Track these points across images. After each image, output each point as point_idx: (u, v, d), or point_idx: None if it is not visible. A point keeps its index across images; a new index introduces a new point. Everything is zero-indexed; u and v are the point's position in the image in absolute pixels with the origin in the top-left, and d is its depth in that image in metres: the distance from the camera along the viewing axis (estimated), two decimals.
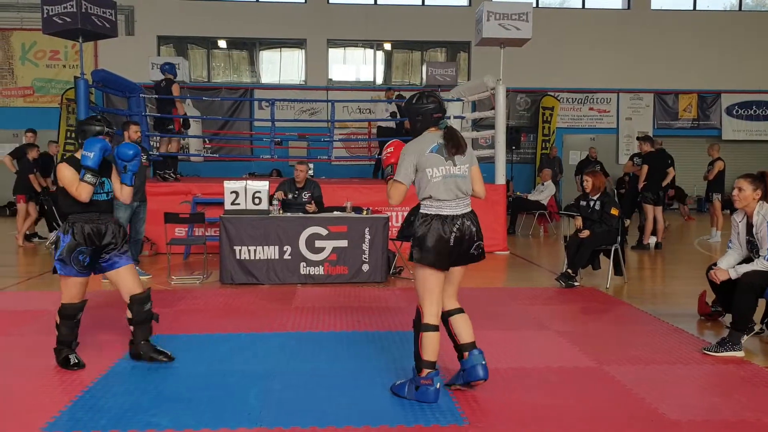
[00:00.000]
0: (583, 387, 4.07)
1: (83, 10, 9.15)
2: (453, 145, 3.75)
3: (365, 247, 7.34)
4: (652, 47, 18.19)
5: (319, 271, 7.35)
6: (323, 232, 7.31)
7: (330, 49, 18.25)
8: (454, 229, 3.72)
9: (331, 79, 18.22)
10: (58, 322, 4.29)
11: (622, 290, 7.19)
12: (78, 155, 4.26)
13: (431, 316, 3.76)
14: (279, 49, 18.52)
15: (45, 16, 9.37)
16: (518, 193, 13.91)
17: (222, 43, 18.28)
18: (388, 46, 18.61)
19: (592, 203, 7.36)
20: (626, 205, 11.05)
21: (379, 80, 18.51)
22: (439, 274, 3.77)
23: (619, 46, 18.15)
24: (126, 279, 4.36)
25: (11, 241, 10.94)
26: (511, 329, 5.48)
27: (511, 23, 10.02)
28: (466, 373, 3.87)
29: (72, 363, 4.25)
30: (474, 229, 3.80)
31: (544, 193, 12.68)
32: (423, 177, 3.74)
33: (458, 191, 3.76)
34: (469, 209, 3.83)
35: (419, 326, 3.78)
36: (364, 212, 7.56)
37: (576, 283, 7.21)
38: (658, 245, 10.43)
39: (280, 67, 18.56)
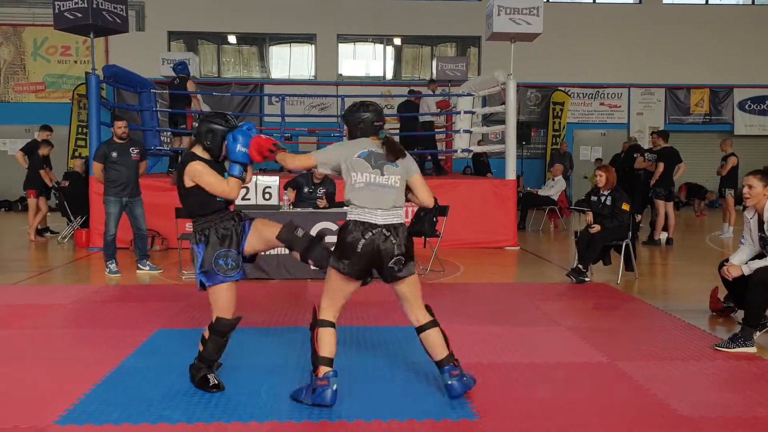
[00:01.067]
0: (594, 382, 4.06)
1: (94, 6, 9.17)
2: (391, 153, 3.61)
3: None
4: (663, 42, 18.07)
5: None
6: (334, 227, 7.29)
7: (340, 44, 18.24)
8: (366, 237, 3.52)
9: (340, 74, 18.21)
10: (206, 337, 3.84)
11: (633, 286, 7.16)
12: (198, 152, 3.91)
13: (326, 313, 3.67)
14: (289, 45, 18.53)
15: (56, 11, 9.40)
16: (528, 189, 13.87)
17: (232, 39, 18.31)
18: (398, 41, 18.58)
19: (603, 198, 7.32)
20: (638, 200, 11.00)
21: (389, 75, 18.49)
22: (343, 280, 3.63)
23: (630, 40, 18.04)
24: (265, 226, 4.00)
25: (23, 235, 11.01)
26: (522, 325, 5.46)
27: (521, 18, 9.97)
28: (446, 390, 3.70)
29: (211, 384, 3.78)
30: (394, 241, 3.56)
31: (554, 188, 12.64)
32: (347, 180, 3.62)
33: (380, 201, 3.56)
34: (393, 221, 3.59)
35: (314, 323, 3.67)
36: None
37: (587, 279, 7.19)
38: (669, 241, 10.38)
39: (290, 62, 18.57)
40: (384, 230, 3.56)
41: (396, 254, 3.57)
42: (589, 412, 3.57)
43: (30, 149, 10.90)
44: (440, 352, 3.74)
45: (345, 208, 3.68)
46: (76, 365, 4.30)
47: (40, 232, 10.87)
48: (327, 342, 3.61)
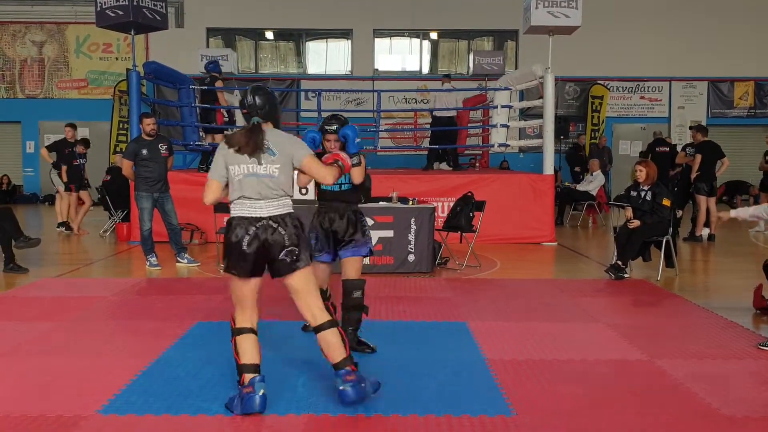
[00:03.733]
0: (633, 380, 4.00)
1: (135, 3, 9.32)
2: (248, 144, 3.45)
3: (411, 237, 7.33)
4: (705, 33, 17.64)
5: (365, 260, 7.34)
6: (369, 222, 7.30)
7: (376, 39, 18.24)
8: (250, 232, 3.45)
9: (376, 69, 18.22)
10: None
11: (673, 283, 7.03)
12: None
13: (240, 320, 3.55)
14: (325, 40, 18.59)
15: (98, 9, 9.58)
16: (566, 184, 13.71)
17: (269, 35, 18.44)
18: (434, 35, 18.51)
19: (643, 193, 7.20)
20: (679, 195, 10.79)
21: (425, 70, 18.44)
22: (243, 282, 3.52)
23: (671, 32, 17.66)
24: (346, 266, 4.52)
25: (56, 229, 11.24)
26: (560, 321, 5.41)
27: (560, 11, 9.84)
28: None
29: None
30: (283, 232, 3.46)
31: (593, 183, 12.46)
32: (228, 175, 3.53)
33: (262, 192, 3.46)
34: (280, 211, 3.49)
35: (233, 332, 3.56)
36: (410, 202, 7.55)
37: (626, 275, 7.08)
38: (711, 237, 10.16)
39: (326, 57, 18.64)
40: (270, 222, 3.46)
41: (287, 245, 3.46)
42: (627, 410, 3.52)
43: (57, 147, 11.03)
44: (338, 354, 3.47)
45: (231, 205, 3.56)
46: (118, 356, 4.39)
47: (63, 225, 11.01)
48: (246, 349, 3.49)
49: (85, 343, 4.75)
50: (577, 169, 14.83)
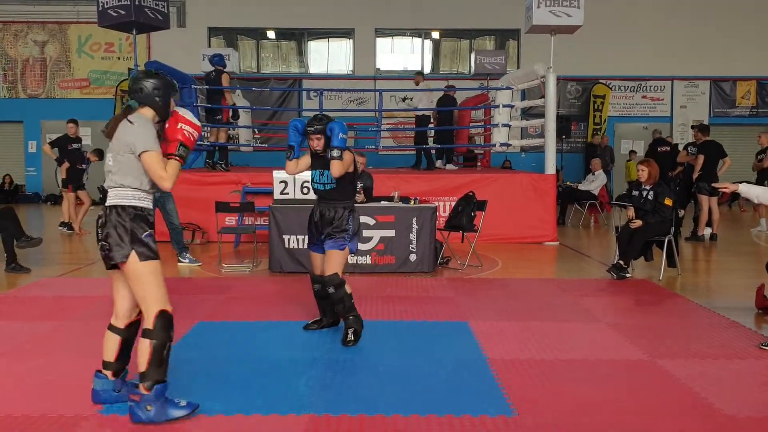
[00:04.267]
0: (634, 380, 4.00)
1: (137, 3, 9.35)
2: (108, 129, 3.40)
3: (413, 236, 7.33)
4: (708, 32, 17.62)
5: (367, 260, 7.37)
6: (371, 221, 7.32)
7: (378, 39, 18.23)
8: (99, 224, 3.39)
9: (378, 69, 18.21)
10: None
11: (675, 282, 7.03)
12: None
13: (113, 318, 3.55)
14: (327, 39, 18.59)
15: (100, 9, 9.61)
16: (568, 183, 13.70)
17: (271, 34, 18.44)
18: (436, 35, 18.49)
19: (645, 193, 7.19)
20: (681, 195, 10.78)
21: (427, 69, 18.41)
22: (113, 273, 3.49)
23: (673, 31, 17.64)
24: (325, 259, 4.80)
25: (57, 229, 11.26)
26: (562, 321, 5.40)
27: (562, 10, 9.83)
28: None
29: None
30: (103, 224, 3.35)
31: (594, 183, 12.45)
32: None
33: (106, 179, 3.40)
34: (111, 202, 3.34)
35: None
36: (412, 202, 7.55)
37: (628, 275, 7.07)
38: (713, 237, 10.15)
39: (328, 57, 18.63)
40: (105, 213, 3.35)
41: (100, 239, 3.36)
42: (628, 410, 3.52)
43: (60, 143, 11.05)
44: (141, 365, 3.33)
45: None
46: None
47: (65, 225, 11.03)
48: (106, 346, 3.55)
49: (87, 342, 4.74)
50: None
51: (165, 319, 3.33)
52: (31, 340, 4.68)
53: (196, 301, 6.07)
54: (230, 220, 9.43)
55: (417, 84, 12.49)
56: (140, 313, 3.45)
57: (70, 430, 3.23)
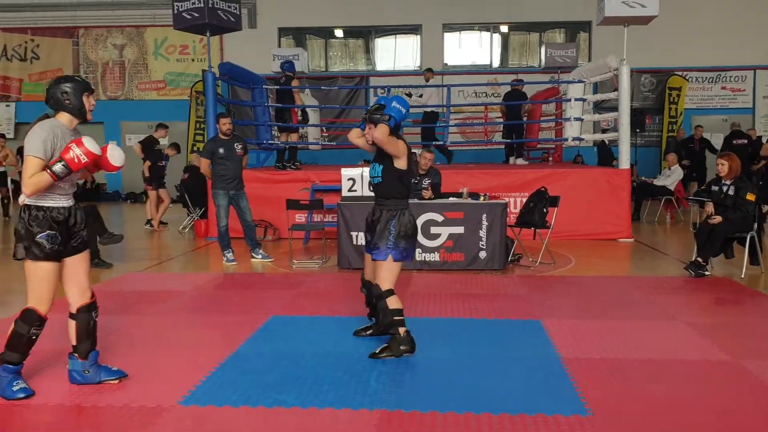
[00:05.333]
0: (714, 381, 3.86)
1: (210, 6, 9.57)
2: None
3: (482, 233, 7.27)
4: None
5: (435, 257, 7.35)
6: (439, 218, 7.30)
7: (445, 34, 18.14)
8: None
9: (446, 64, 18.11)
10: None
11: (758, 280, 6.73)
12: None
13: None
14: (394, 36, 18.61)
15: (175, 12, 9.88)
16: (643, 178, 13.30)
17: (339, 33, 18.60)
18: (504, 29, 18.26)
19: (725, 188, 6.92)
20: (764, 189, 10.31)
21: (496, 63, 18.22)
22: None
23: (754, 18, 16.85)
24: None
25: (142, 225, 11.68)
26: (637, 319, 5.25)
27: (636, 0, 9.54)
28: None
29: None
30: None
31: (671, 177, 12.05)
32: None
33: None
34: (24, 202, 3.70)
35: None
36: (481, 198, 7.48)
37: (707, 273, 6.82)
38: None
39: (395, 53, 18.65)
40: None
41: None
42: (707, 413, 3.40)
43: (147, 144, 11.50)
44: (72, 338, 3.78)
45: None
46: (197, 349, 4.52)
47: (148, 222, 11.47)
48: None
49: (167, 335, 4.92)
50: (685, 162, 13.92)
51: (30, 314, 3.59)
52: (114, 332, 4.87)
53: (268, 295, 6.20)
54: (300, 217, 9.58)
55: (427, 80, 12.65)
56: (93, 296, 3.83)
57: (152, 420, 3.35)
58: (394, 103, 4.24)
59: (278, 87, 10.70)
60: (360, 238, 7.39)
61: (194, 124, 15.23)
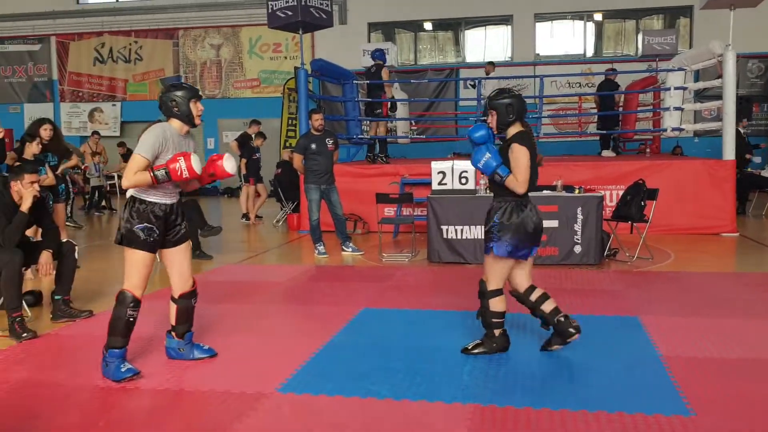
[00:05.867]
0: None
1: (303, 3, 9.76)
2: None
3: (577, 227, 7.10)
4: None
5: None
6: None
7: (537, 23, 17.77)
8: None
9: (538, 54, 17.75)
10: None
11: None
12: None
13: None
14: (484, 27, 18.40)
15: (270, 11, 10.13)
16: (749, 170, 12.60)
17: (428, 25, 18.56)
18: (598, 17, 17.70)
19: None
20: None
21: (590, 53, 17.70)
22: None
23: None
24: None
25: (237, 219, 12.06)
26: (743, 317, 5.00)
27: None
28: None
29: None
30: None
31: None
32: None
33: None
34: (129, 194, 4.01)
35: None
36: (576, 191, 7.30)
37: None
38: None
39: (485, 45, 18.43)
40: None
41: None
42: None
43: (243, 140, 11.85)
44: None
45: None
46: (294, 338, 4.65)
47: (244, 216, 11.82)
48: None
49: (264, 325, 5.08)
50: None
51: (123, 296, 3.84)
52: (216, 321, 5.07)
53: (359, 288, 6.29)
54: (389, 210, 9.64)
55: (487, 74, 12.31)
56: (194, 284, 4.12)
57: (251, 406, 3.47)
58: (480, 164, 3.99)
59: (368, 82, 10.78)
60: (450, 231, 7.38)
61: (286, 121, 15.57)
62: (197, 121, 3.92)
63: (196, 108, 3.89)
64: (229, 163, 4.02)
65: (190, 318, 4.15)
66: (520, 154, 3.93)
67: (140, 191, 3.83)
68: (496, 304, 4.10)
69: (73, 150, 7.88)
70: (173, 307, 4.08)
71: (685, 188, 9.17)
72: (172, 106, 3.85)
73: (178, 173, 3.72)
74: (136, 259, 3.84)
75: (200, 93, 3.97)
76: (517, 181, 3.93)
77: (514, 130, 4.03)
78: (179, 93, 3.84)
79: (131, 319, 3.84)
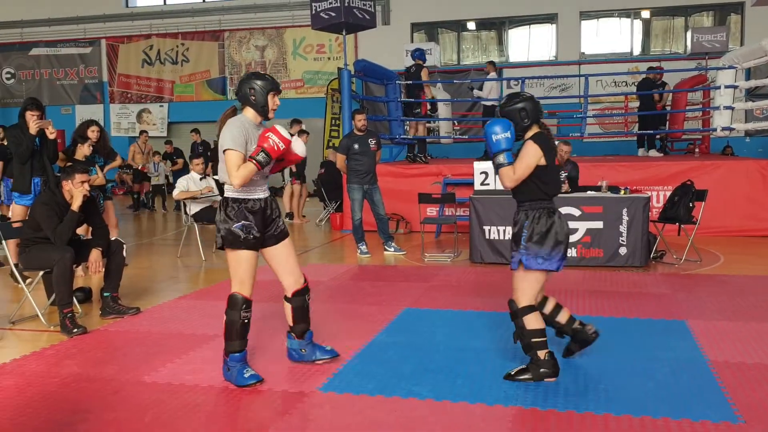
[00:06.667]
0: None
1: (346, 5, 9.81)
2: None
3: (622, 228, 6.98)
4: None
5: (572, 253, 7.13)
6: (576, 212, 7.09)
7: (582, 22, 17.53)
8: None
9: (583, 53, 17.51)
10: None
11: None
12: None
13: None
14: (528, 26, 18.23)
15: (313, 12, 10.21)
16: None
17: (471, 25, 18.48)
18: (646, 14, 17.37)
19: None
20: None
21: (636, 51, 17.39)
22: None
23: None
24: None
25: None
26: None
27: None
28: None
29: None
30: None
31: None
32: None
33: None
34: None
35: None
36: (622, 192, 7.18)
37: None
38: None
39: (529, 44, 18.27)
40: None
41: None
42: None
43: None
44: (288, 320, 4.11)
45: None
46: (336, 337, 4.67)
47: (288, 215, 11.94)
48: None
49: None
50: None
51: (234, 299, 3.77)
52: (258, 319, 5.11)
53: (401, 288, 6.29)
54: (431, 210, 9.63)
55: (487, 73, 12.18)
56: (305, 281, 4.06)
57: (292, 404, 3.51)
58: (495, 137, 3.69)
59: (408, 81, 10.79)
60: (493, 232, 7.34)
61: (330, 121, 15.69)
62: (271, 114, 3.88)
63: (273, 101, 3.84)
64: (299, 146, 3.95)
65: (307, 316, 4.07)
66: (529, 150, 3.69)
67: (231, 191, 3.77)
68: (532, 322, 3.73)
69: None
70: (288, 307, 4.02)
71: (736, 189, 8.94)
72: (249, 94, 3.77)
73: (275, 148, 3.66)
74: (240, 259, 3.76)
75: (280, 87, 3.91)
76: (513, 174, 3.68)
77: (530, 133, 3.81)
78: (259, 82, 3.76)
79: (245, 321, 3.77)
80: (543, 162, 3.71)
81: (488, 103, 12.22)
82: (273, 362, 4.16)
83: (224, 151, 3.68)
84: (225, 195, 3.82)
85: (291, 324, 4.05)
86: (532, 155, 3.69)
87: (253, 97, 3.78)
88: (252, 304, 3.81)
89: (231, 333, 3.77)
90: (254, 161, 3.65)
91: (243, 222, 3.73)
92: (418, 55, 10.85)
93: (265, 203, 3.85)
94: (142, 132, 15.40)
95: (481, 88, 12.63)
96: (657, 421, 3.17)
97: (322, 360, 4.06)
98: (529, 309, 3.74)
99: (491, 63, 12.97)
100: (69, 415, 3.43)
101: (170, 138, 17.42)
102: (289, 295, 4.01)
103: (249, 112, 3.84)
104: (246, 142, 3.70)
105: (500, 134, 3.68)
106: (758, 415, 3.24)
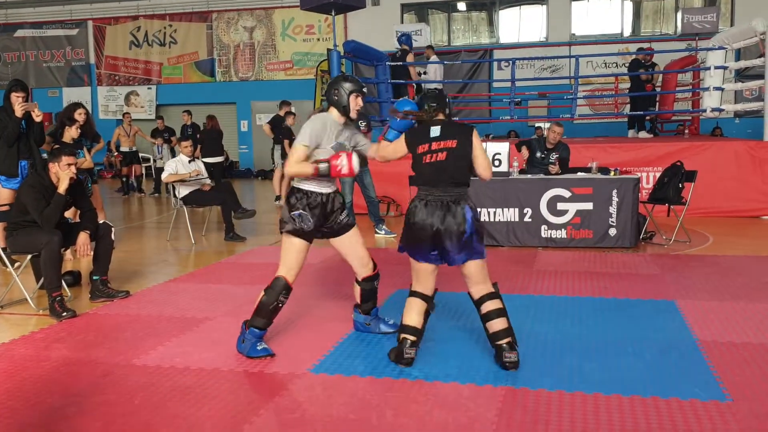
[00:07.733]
0: None
1: None
2: None
3: (612, 210, 7.00)
4: None
5: (562, 234, 7.16)
6: (566, 194, 7.09)
7: (573, 3, 17.46)
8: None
9: (573, 34, 17.45)
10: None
11: None
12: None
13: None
14: (518, 7, 18.14)
15: None
16: None
17: (461, 6, 18.37)
18: None
19: None
20: None
21: (627, 32, 17.35)
22: None
23: None
24: None
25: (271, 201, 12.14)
26: None
27: None
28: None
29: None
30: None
31: None
32: None
33: None
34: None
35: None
36: (611, 173, 7.19)
37: None
38: None
39: (520, 25, 18.20)
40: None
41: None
42: None
43: (275, 123, 11.91)
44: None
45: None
46: (326, 319, 4.68)
47: (277, 198, 11.90)
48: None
49: (296, 306, 5.10)
50: None
51: (279, 282, 3.92)
52: (249, 302, 5.09)
53: (392, 270, 6.27)
54: None
55: (428, 58, 12.20)
56: (375, 267, 4.25)
57: (283, 386, 3.52)
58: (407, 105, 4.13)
59: (395, 63, 10.74)
60: (483, 214, 7.33)
61: (319, 103, 15.58)
62: (353, 114, 3.97)
63: (355, 102, 3.93)
64: (357, 163, 3.89)
65: (374, 297, 4.31)
66: (400, 139, 3.93)
67: (298, 181, 3.94)
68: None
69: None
70: (357, 289, 4.27)
71: (725, 170, 8.98)
72: (334, 94, 3.93)
73: (338, 169, 3.79)
74: (292, 246, 3.94)
75: (365, 89, 4.00)
76: (380, 152, 4.08)
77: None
78: (345, 84, 3.91)
79: (280, 305, 3.92)
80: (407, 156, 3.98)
81: (432, 86, 12.15)
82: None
83: (296, 142, 3.86)
84: (293, 185, 3.99)
85: (359, 302, 4.31)
86: (401, 140, 3.98)
87: (336, 98, 3.92)
88: (291, 291, 3.96)
89: (261, 311, 3.91)
90: (314, 167, 3.80)
91: (300, 211, 3.90)
92: (404, 40, 10.81)
93: (327, 198, 4.00)
94: (125, 114, 15.24)
95: (426, 73, 12.68)
96: (646, 400, 3.19)
97: (386, 332, 4.29)
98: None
99: (430, 47, 13.05)
100: (59, 399, 3.41)
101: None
102: (360, 279, 4.25)
103: (334, 112, 3.97)
104: (320, 139, 3.85)
105: (407, 106, 4.10)
106: (745, 393, 3.26)
